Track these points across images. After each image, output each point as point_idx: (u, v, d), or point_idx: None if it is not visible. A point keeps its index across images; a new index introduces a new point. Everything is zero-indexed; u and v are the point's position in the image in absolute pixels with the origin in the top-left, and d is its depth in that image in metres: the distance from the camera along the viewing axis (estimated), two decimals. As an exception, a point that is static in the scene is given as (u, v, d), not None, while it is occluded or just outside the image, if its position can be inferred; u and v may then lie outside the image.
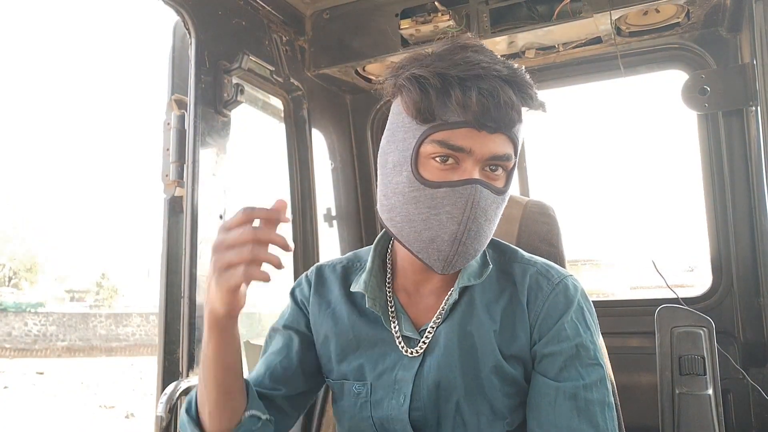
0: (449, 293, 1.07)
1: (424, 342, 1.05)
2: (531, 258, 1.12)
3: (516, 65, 1.00)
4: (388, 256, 1.15)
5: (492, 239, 1.16)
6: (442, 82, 0.94)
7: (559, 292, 1.04)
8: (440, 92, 0.95)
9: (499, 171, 0.99)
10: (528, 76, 1.00)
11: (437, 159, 0.97)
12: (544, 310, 1.03)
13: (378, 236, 1.17)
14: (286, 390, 1.13)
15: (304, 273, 1.24)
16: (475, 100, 0.93)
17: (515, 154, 1.01)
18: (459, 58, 0.96)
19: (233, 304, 0.89)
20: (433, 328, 1.06)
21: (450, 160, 0.96)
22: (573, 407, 0.97)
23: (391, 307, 1.10)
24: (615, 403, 1.06)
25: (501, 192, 1.00)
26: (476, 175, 0.96)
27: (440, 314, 1.06)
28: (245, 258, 0.83)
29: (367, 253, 1.19)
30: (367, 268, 1.12)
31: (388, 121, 1.07)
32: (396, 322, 1.08)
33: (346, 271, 1.19)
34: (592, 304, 1.08)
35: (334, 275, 1.19)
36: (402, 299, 1.11)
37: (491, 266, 1.09)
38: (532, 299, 1.05)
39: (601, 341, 1.07)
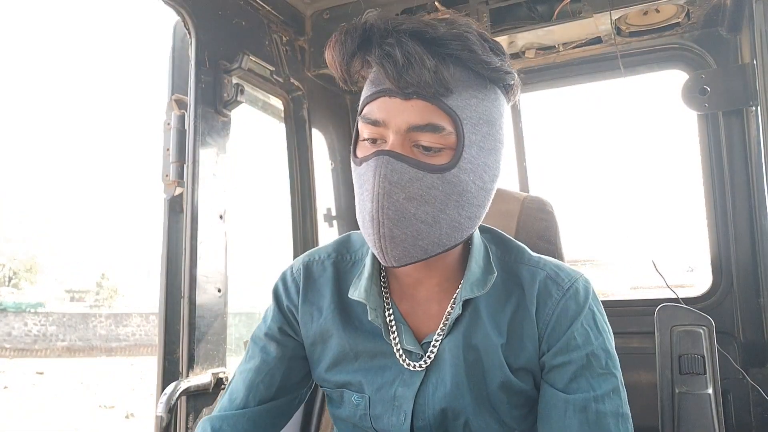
0: (450, 305, 0.99)
1: (428, 357, 0.98)
2: (540, 259, 1.03)
3: (436, 22, 0.88)
4: None
5: (496, 232, 1.09)
6: (361, 46, 0.87)
7: (570, 298, 0.97)
8: (350, 51, 0.87)
9: (436, 150, 0.87)
10: (456, 31, 0.87)
11: (368, 142, 0.91)
12: (553, 319, 0.96)
13: None
14: (273, 404, 1.07)
15: (289, 268, 1.11)
16: (377, 61, 0.84)
17: (456, 128, 0.87)
18: (369, 20, 0.87)
19: None
20: (437, 342, 0.98)
21: (378, 141, 0.89)
22: (584, 420, 0.91)
23: (389, 316, 1.01)
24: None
25: (434, 169, 0.86)
26: (396, 149, 0.86)
27: (443, 328, 0.98)
28: None
29: (359, 240, 1.10)
30: (366, 273, 1.02)
31: None
32: (396, 333, 1.00)
33: (337, 268, 1.08)
34: (601, 305, 1.01)
35: (325, 274, 1.07)
36: (401, 308, 1.02)
37: (495, 273, 0.99)
38: (541, 307, 0.97)
39: (613, 345, 0.99)
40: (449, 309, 0.99)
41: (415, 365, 0.98)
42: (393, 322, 1.01)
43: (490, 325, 0.97)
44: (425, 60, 0.84)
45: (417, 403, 0.98)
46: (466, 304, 0.98)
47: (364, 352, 1.02)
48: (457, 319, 0.98)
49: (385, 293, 1.03)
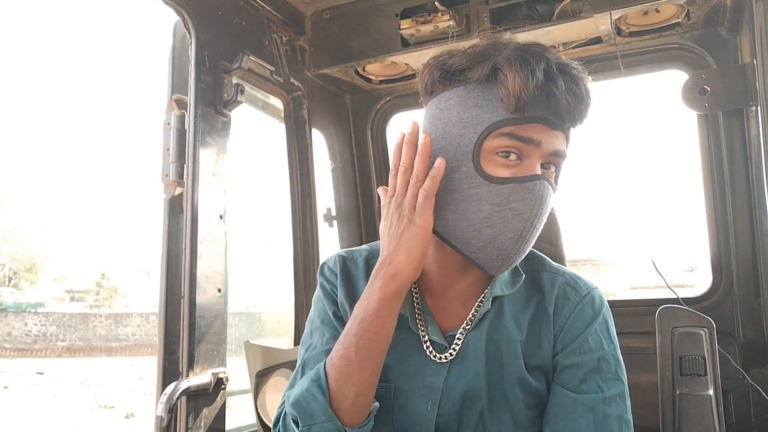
0: (479, 300, 1.06)
1: (453, 349, 1.03)
2: (560, 268, 1.11)
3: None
4: None
5: None
6: (541, 70, 0.92)
7: (586, 304, 1.04)
8: (540, 81, 0.92)
9: (552, 168, 0.99)
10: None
11: (501, 154, 0.94)
12: (569, 321, 1.03)
13: None
14: None
15: (324, 263, 1.18)
16: (560, 95, 0.92)
17: None
18: (540, 50, 0.95)
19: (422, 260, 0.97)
20: (462, 335, 1.04)
21: (513, 156, 0.94)
22: (591, 420, 0.96)
23: (417, 309, 1.07)
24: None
25: (555, 189, 1.00)
26: (538, 171, 0.95)
27: (469, 322, 1.05)
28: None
29: None
30: None
31: (426, 120, 1.03)
32: (423, 325, 1.06)
33: (369, 264, 1.14)
34: (612, 319, 1.07)
35: (357, 269, 1.15)
36: (429, 302, 1.08)
37: (523, 276, 1.07)
38: (559, 309, 1.04)
39: (621, 356, 1.05)
40: (477, 305, 1.06)
41: (440, 356, 1.04)
42: (420, 314, 1.07)
43: (512, 323, 1.04)
44: (590, 101, 0.98)
45: (441, 392, 1.02)
46: (493, 301, 1.05)
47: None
48: (483, 316, 1.04)
49: (414, 287, 1.09)
